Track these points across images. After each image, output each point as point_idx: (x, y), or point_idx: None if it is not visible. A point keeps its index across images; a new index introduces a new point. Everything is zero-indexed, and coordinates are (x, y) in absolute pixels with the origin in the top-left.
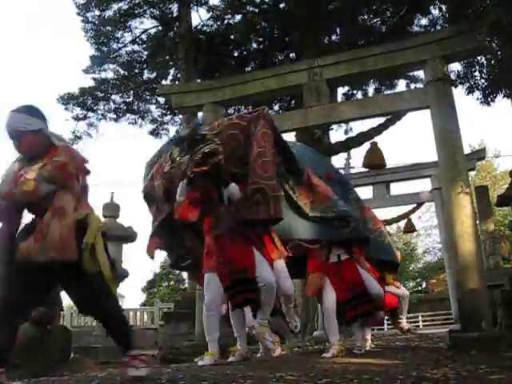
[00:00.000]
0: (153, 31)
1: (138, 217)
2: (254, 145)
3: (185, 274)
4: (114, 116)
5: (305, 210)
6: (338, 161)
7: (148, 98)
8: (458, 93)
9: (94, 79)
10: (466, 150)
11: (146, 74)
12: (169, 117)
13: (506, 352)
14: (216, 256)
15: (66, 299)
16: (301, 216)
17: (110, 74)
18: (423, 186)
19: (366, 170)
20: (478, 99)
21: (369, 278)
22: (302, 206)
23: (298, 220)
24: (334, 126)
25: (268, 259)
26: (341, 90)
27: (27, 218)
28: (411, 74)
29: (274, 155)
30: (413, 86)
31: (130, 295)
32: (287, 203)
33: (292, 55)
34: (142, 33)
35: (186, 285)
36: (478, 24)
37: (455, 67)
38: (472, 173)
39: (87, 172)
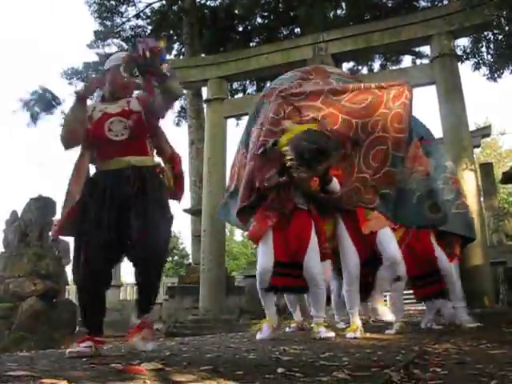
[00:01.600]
0: (157, 5)
1: None
2: (378, 123)
3: (188, 249)
4: None
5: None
6: None
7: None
8: (464, 69)
9: (98, 54)
10: (472, 127)
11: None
12: None
13: (508, 328)
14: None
15: (70, 274)
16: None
17: (113, 49)
18: None
19: None
20: (484, 75)
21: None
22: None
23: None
24: None
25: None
26: (346, 66)
27: None
28: (417, 49)
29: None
30: (418, 61)
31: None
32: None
33: (297, 30)
34: (146, 7)
35: (190, 260)
36: None
37: (462, 43)
38: (477, 150)
39: None
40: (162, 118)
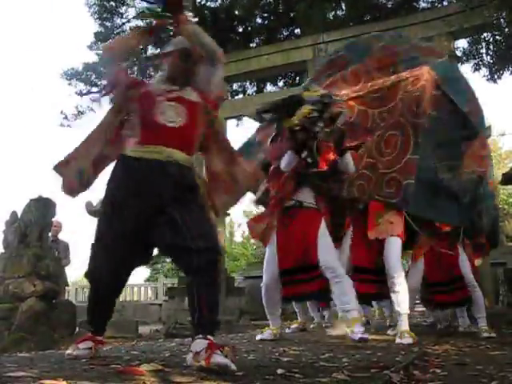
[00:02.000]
0: None
1: None
2: (396, 107)
3: None
4: None
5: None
6: None
7: (152, 73)
8: (464, 70)
9: (98, 54)
10: None
11: (150, 50)
12: None
13: (508, 329)
14: (280, 231)
15: (72, 275)
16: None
17: None
18: None
19: None
20: (484, 76)
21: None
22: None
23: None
24: None
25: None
26: None
27: None
28: None
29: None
30: None
31: (135, 271)
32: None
33: (297, 31)
34: None
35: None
36: None
37: (461, 44)
38: None
39: None
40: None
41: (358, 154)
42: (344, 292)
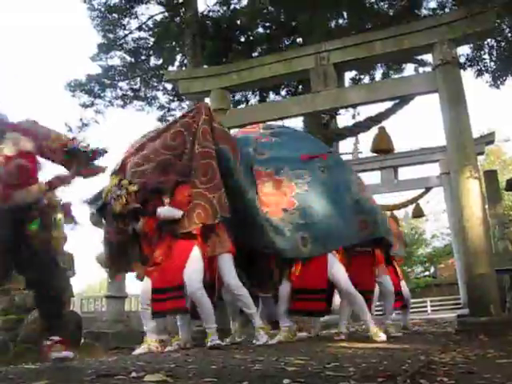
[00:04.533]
0: (159, 17)
1: None
2: (195, 143)
3: None
4: (121, 103)
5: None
6: (345, 146)
7: (155, 84)
8: (467, 76)
9: (101, 66)
10: (475, 135)
11: (153, 61)
12: (176, 103)
13: None
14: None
15: (76, 286)
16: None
17: (116, 61)
18: (431, 170)
19: (374, 154)
20: (487, 82)
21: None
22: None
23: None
24: (342, 111)
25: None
26: (348, 75)
27: None
28: (419, 57)
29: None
30: (421, 69)
31: (140, 281)
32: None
33: (299, 40)
34: (148, 19)
35: None
36: (489, 5)
37: (464, 50)
38: (481, 157)
39: None
40: None
41: (184, 193)
42: (202, 311)
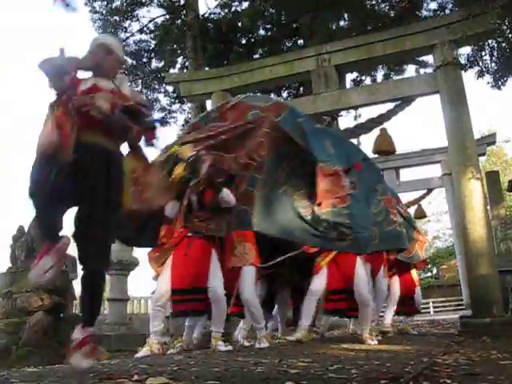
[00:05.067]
0: (160, 20)
1: None
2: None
3: None
4: None
5: (303, 213)
6: None
7: (156, 86)
8: (468, 77)
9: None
10: (476, 135)
11: (154, 63)
12: (177, 105)
13: None
14: (176, 256)
15: (78, 288)
16: (300, 218)
17: None
18: (433, 171)
19: (376, 156)
20: (488, 83)
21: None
22: (302, 208)
23: (297, 222)
24: (343, 113)
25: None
26: (349, 76)
27: None
28: (420, 59)
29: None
30: (422, 71)
31: (141, 283)
32: (287, 204)
33: (300, 42)
34: (150, 22)
35: None
36: (490, 6)
37: (464, 51)
38: (482, 158)
39: None
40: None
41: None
42: (217, 315)
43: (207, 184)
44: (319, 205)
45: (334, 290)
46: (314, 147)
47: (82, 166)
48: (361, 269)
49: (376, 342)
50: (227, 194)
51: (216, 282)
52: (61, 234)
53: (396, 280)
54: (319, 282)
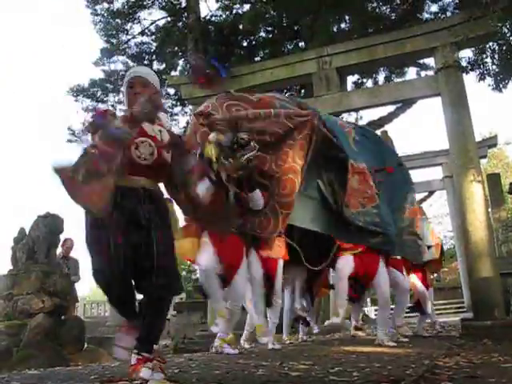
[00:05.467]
0: (161, 22)
1: None
2: (288, 154)
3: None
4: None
5: (338, 210)
6: None
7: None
8: (469, 80)
9: (104, 71)
10: (478, 138)
11: (156, 66)
12: (179, 107)
13: None
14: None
15: (79, 290)
16: (333, 214)
17: (119, 66)
18: (434, 174)
19: None
20: (489, 86)
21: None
22: (339, 204)
23: (329, 216)
24: (344, 115)
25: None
26: (350, 79)
27: None
28: (421, 61)
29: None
30: (423, 73)
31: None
32: (321, 201)
33: (301, 44)
34: (151, 24)
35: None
36: (491, 9)
37: (466, 54)
38: (483, 160)
39: None
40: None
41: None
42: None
43: (246, 180)
44: (347, 206)
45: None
46: (343, 144)
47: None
48: (383, 269)
49: (395, 344)
50: (258, 196)
51: (240, 284)
52: (136, 307)
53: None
54: (346, 261)
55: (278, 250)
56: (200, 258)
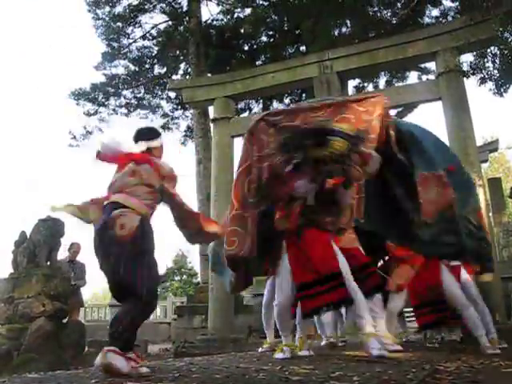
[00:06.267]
0: (163, 26)
1: None
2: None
3: (197, 268)
4: (125, 111)
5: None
6: None
7: (159, 92)
8: (470, 84)
9: (105, 75)
10: (479, 142)
11: (157, 69)
12: (180, 111)
13: None
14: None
15: (85, 294)
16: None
17: (120, 70)
18: None
19: None
20: (490, 90)
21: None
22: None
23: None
24: None
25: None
26: (351, 83)
27: None
28: (422, 65)
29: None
30: (424, 77)
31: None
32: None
33: (302, 48)
34: (152, 28)
35: (199, 279)
36: (492, 13)
37: (467, 58)
38: (485, 165)
39: None
40: None
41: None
42: (359, 305)
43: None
44: (426, 223)
45: (422, 303)
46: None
47: None
48: (446, 275)
49: (498, 351)
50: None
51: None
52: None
53: None
54: (399, 300)
55: (352, 238)
56: (277, 291)
